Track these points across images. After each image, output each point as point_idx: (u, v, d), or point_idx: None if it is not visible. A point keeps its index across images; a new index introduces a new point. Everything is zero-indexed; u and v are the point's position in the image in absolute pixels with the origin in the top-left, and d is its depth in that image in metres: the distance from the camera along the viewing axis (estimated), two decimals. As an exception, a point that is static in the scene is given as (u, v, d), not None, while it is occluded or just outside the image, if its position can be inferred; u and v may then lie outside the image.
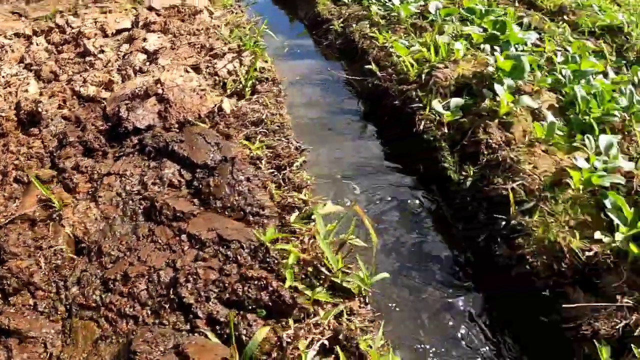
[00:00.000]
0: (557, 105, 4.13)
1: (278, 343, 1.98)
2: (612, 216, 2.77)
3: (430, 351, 2.38)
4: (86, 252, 2.51)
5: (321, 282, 2.26)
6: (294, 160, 3.04)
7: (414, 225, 3.17)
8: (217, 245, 2.38)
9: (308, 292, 2.19)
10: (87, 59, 4.39)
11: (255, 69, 3.97)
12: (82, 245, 2.54)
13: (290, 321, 2.07)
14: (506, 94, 3.82)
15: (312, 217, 2.58)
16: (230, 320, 1.99)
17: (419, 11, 5.65)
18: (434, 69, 4.27)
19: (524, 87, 4.19)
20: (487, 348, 2.44)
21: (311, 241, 2.43)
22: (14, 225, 2.62)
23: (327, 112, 4.30)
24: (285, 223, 2.56)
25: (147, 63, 4.27)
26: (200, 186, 2.78)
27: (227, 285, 2.17)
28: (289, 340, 1.97)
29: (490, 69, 4.25)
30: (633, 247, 2.60)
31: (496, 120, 3.74)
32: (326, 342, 2.00)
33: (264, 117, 3.33)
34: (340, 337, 2.01)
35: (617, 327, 2.35)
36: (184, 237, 2.49)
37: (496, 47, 4.89)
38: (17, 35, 4.87)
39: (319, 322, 2.07)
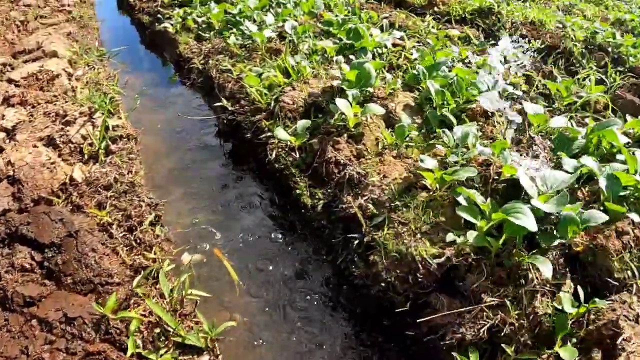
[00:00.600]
0: (413, 104, 4.15)
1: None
2: (463, 215, 2.62)
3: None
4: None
5: (166, 343, 2.41)
6: (145, 218, 3.18)
7: (278, 262, 3.19)
8: (64, 325, 2.50)
9: (153, 357, 2.31)
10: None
11: (108, 128, 4.03)
12: None
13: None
14: (353, 105, 3.79)
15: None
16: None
17: (276, 33, 5.63)
18: (282, 93, 4.27)
19: (377, 93, 4.19)
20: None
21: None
22: None
23: (187, 157, 4.26)
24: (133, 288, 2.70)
25: (8, 141, 4.22)
26: (51, 265, 2.87)
27: (72, 363, 2.30)
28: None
29: (338, 82, 4.24)
30: (492, 241, 2.44)
31: (345, 135, 3.73)
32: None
33: (112, 179, 3.43)
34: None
35: (482, 329, 2.29)
36: (34, 322, 2.59)
37: (352, 57, 4.89)
38: None
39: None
